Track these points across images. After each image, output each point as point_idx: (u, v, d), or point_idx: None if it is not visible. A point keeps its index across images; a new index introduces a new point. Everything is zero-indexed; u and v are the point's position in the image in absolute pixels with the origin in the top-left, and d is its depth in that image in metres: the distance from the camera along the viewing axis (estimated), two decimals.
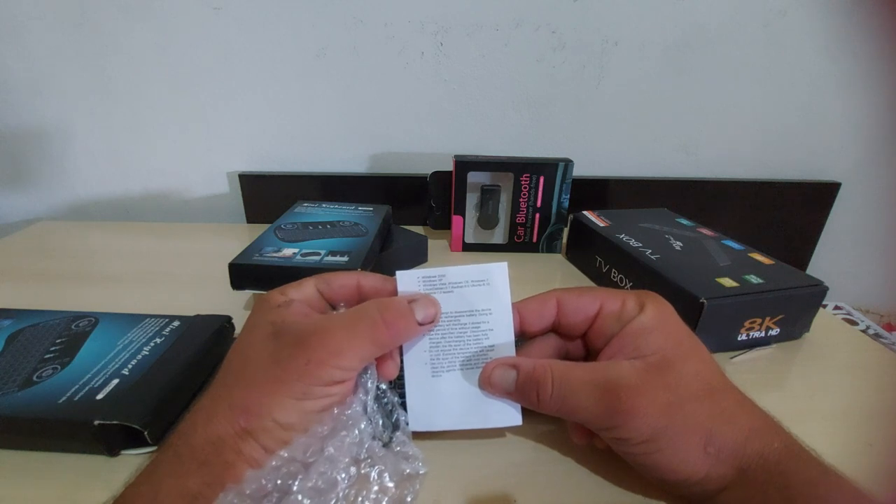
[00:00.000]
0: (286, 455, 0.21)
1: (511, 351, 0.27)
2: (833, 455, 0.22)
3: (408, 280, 0.26)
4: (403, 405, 0.27)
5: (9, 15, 0.60)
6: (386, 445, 0.25)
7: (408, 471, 0.24)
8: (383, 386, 0.26)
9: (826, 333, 0.41)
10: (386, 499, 0.23)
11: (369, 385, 0.25)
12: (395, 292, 0.26)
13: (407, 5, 0.60)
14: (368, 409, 0.25)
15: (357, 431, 0.23)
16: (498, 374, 0.26)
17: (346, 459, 0.23)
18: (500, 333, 0.27)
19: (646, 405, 0.22)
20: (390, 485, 0.23)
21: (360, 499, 0.22)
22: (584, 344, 0.28)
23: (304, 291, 0.26)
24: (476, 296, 0.27)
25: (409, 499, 0.23)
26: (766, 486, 0.21)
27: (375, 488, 0.23)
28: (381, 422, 0.25)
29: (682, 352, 0.24)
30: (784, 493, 0.20)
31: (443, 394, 0.27)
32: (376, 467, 0.23)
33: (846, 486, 0.20)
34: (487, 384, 0.26)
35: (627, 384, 0.22)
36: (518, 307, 0.27)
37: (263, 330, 0.23)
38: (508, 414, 0.27)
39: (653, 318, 0.25)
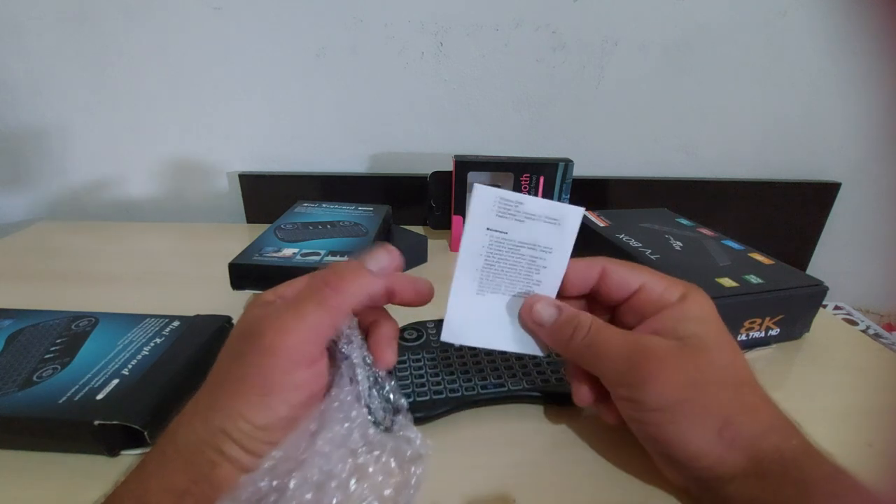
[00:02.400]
0: (278, 455, 0.21)
1: (553, 294, 0.28)
2: (833, 455, 0.22)
3: (484, 197, 0.25)
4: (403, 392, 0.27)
5: (9, 14, 0.60)
6: (388, 430, 0.24)
7: (409, 452, 0.24)
8: (382, 373, 0.25)
9: (826, 333, 0.41)
10: (392, 481, 0.22)
11: (359, 373, 0.24)
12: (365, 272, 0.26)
13: (407, 5, 0.60)
14: (363, 397, 0.24)
15: (347, 423, 0.23)
16: (540, 307, 0.26)
17: (341, 451, 0.22)
18: (551, 275, 0.27)
19: (670, 374, 0.22)
20: (393, 466, 0.23)
21: (364, 485, 0.22)
22: (614, 319, 0.28)
23: (293, 288, 0.25)
24: (543, 232, 0.27)
25: (413, 480, 0.23)
26: (781, 480, 0.20)
27: (379, 477, 0.22)
28: (381, 407, 0.24)
29: (718, 343, 0.24)
30: (800, 487, 0.20)
31: (481, 312, 0.27)
32: (375, 453, 0.23)
33: (861, 486, 0.20)
34: (528, 314, 0.27)
35: (657, 353, 0.23)
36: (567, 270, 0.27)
37: (243, 326, 0.23)
38: (534, 346, 0.28)
39: (694, 307, 0.25)
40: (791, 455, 0.21)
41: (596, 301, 0.28)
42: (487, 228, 0.26)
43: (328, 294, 0.22)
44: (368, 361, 0.24)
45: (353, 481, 0.22)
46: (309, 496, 0.20)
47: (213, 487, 0.20)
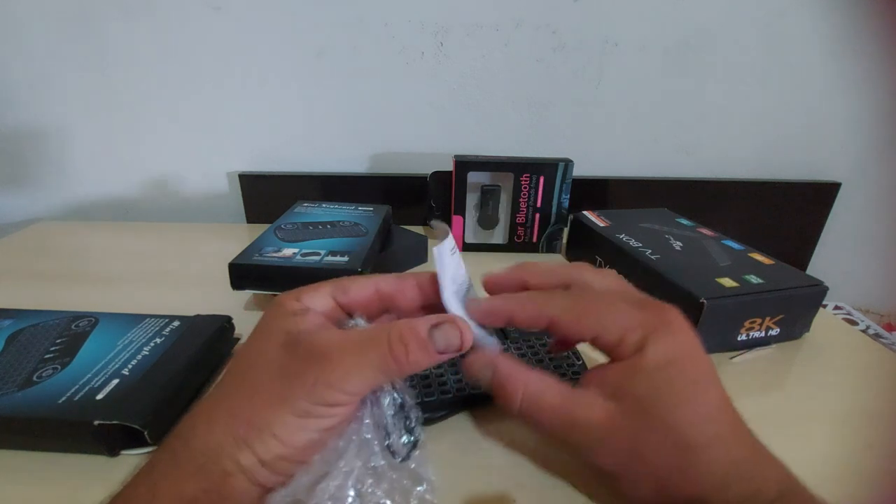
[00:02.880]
0: (303, 480, 0.21)
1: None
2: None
3: (442, 255, 0.25)
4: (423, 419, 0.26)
5: (9, 15, 0.60)
6: (404, 461, 0.23)
7: (417, 490, 0.23)
8: (405, 399, 0.24)
9: (826, 333, 0.41)
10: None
11: (385, 401, 0.23)
12: (415, 290, 0.25)
13: (407, 5, 0.60)
14: (386, 423, 0.23)
15: (358, 453, 0.22)
16: (478, 366, 0.25)
17: (350, 484, 0.21)
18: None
19: (606, 445, 0.22)
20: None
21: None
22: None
23: (319, 300, 0.24)
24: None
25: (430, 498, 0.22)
26: None
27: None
28: (401, 436, 0.24)
29: (670, 397, 0.22)
30: None
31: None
32: (382, 485, 0.22)
33: None
34: (468, 369, 0.26)
35: (593, 421, 0.22)
36: (509, 303, 0.25)
37: (276, 338, 0.22)
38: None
39: (651, 358, 0.22)
40: (766, 498, 0.20)
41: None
42: (451, 277, 0.25)
43: (394, 365, 0.21)
44: (397, 386, 0.24)
45: None
46: None
47: (224, 499, 0.19)
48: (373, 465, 0.22)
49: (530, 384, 0.24)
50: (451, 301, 0.25)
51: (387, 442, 0.23)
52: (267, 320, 0.23)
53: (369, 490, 0.22)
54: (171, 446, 0.21)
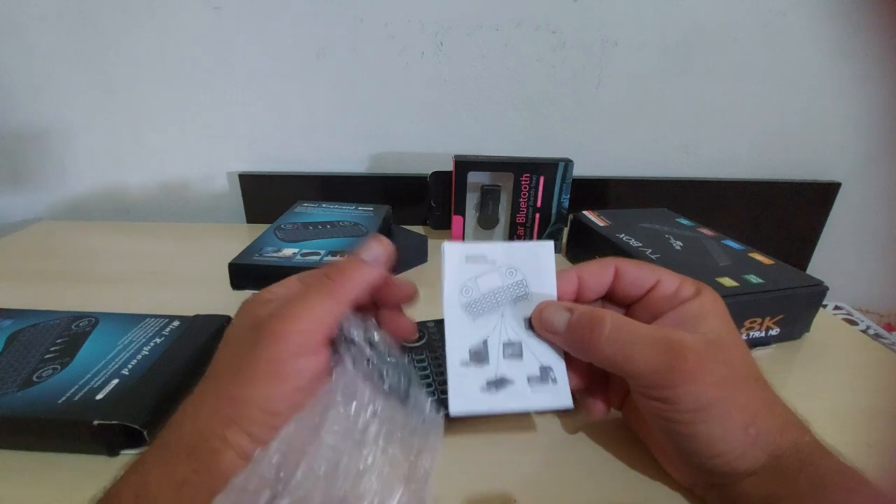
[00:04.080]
0: (281, 446, 0.21)
1: None
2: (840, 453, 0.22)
3: (452, 260, 0.26)
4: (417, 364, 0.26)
5: (9, 15, 0.60)
6: (403, 401, 0.24)
7: (422, 423, 0.23)
8: (394, 351, 0.24)
9: (826, 333, 0.41)
10: (399, 473, 0.22)
11: (368, 351, 0.24)
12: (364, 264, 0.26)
13: (407, 5, 0.60)
14: (375, 372, 0.24)
15: (354, 404, 0.22)
16: (549, 312, 0.26)
17: (347, 441, 0.22)
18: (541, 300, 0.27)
19: (707, 372, 0.22)
20: (400, 459, 0.22)
21: (372, 477, 0.21)
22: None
23: (289, 287, 0.26)
24: (522, 274, 0.27)
25: (421, 474, 0.22)
26: (797, 474, 0.21)
27: (386, 469, 0.22)
28: (394, 378, 0.24)
29: (733, 340, 0.24)
30: (815, 481, 0.20)
31: (486, 376, 0.26)
32: (380, 443, 0.22)
33: (871, 483, 0.20)
34: (539, 323, 0.26)
35: (693, 347, 0.22)
36: (577, 270, 0.27)
37: (246, 322, 0.24)
38: (558, 395, 0.26)
39: (709, 304, 0.25)
40: (805, 450, 0.21)
41: (610, 301, 0.28)
42: (462, 286, 0.26)
43: (332, 285, 0.23)
44: (376, 339, 0.24)
45: (360, 472, 0.21)
46: (316, 488, 0.20)
47: (214, 476, 0.20)
48: (363, 424, 0.22)
49: (615, 315, 0.24)
50: (451, 302, 0.25)
51: (384, 385, 0.23)
52: (239, 311, 0.25)
53: (366, 451, 0.22)
54: (161, 437, 0.21)
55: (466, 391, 0.25)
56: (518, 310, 0.27)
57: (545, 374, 0.26)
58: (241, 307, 0.25)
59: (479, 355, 0.26)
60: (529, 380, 0.26)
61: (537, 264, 0.27)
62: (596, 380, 0.28)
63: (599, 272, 0.27)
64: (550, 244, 0.27)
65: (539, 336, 0.27)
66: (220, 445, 0.20)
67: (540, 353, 0.26)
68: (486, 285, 0.27)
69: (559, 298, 0.27)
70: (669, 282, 0.26)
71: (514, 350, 0.26)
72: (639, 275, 0.27)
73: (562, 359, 0.26)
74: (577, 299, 0.28)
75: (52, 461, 0.27)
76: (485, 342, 0.26)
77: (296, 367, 0.22)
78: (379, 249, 0.25)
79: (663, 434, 0.24)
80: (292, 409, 0.22)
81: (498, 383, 0.25)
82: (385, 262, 0.25)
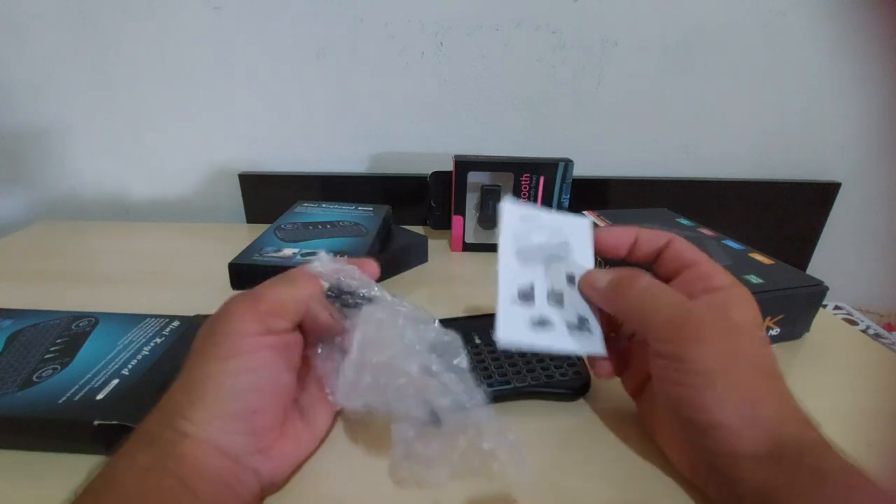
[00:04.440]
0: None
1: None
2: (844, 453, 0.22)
3: (510, 216, 0.30)
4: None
5: (9, 15, 0.60)
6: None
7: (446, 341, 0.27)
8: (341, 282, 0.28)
9: (826, 333, 0.41)
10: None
11: (377, 292, 0.28)
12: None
13: (407, 5, 0.60)
14: (396, 303, 0.27)
15: (401, 321, 0.26)
16: (595, 272, 0.29)
17: (409, 355, 0.25)
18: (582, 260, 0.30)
19: (716, 341, 0.23)
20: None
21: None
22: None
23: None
24: (566, 237, 0.31)
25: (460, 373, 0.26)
26: (798, 466, 0.21)
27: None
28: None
29: (755, 335, 0.25)
30: (816, 475, 0.20)
31: (531, 314, 0.28)
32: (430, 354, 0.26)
33: (873, 482, 0.20)
34: (584, 280, 0.29)
35: (708, 320, 0.24)
36: (638, 229, 0.30)
37: (203, 330, 0.25)
38: (593, 343, 0.28)
39: (739, 297, 0.26)
40: (809, 445, 0.22)
41: (632, 262, 0.30)
42: (515, 235, 0.29)
43: (294, 275, 0.27)
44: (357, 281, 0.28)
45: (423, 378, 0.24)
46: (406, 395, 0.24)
47: (177, 461, 0.21)
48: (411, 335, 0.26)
49: (651, 277, 0.27)
50: (505, 248, 0.29)
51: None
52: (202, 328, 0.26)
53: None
54: (133, 432, 0.22)
55: (513, 325, 0.27)
56: (561, 266, 0.30)
57: (582, 323, 0.28)
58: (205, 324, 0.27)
59: (526, 296, 0.28)
60: (568, 326, 0.28)
61: (578, 233, 0.31)
62: (615, 353, 0.29)
63: (656, 237, 0.29)
64: (589, 219, 0.31)
65: (578, 293, 0.29)
66: (175, 436, 0.21)
67: (578, 306, 0.29)
68: (536, 239, 0.30)
69: (615, 247, 0.30)
70: (708, 266, 0.27)
71: (556, 298, 0.29)
72: (683, 251, 0.28)
73: (597, 315, 0.29)
74: (630, 254, 0.30)
75: (52, 461, 0.27)
76: (531, 286, 0.29)
77: (254, 345, 0.23)
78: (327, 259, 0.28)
79: (668, 403, 0.25)
80: (242, 389, 0.23)
81: (541, 323, 0.27)
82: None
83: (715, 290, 0.26)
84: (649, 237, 0.29)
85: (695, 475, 0.25)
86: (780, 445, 0.21)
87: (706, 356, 0.23)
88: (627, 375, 0.30)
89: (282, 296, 0.25)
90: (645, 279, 0.26)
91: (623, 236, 0.30)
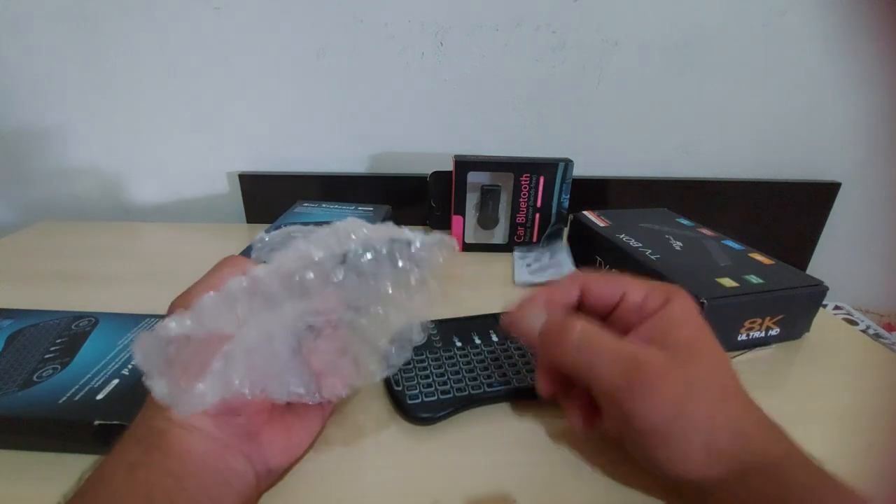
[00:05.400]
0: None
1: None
2: (833, 456, 0.22)
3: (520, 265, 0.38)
4: None
5: (9, 14, 0.60)
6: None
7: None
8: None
9: (826, 333, 0.41)
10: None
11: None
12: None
13: (407, 5, 0.60)
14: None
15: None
16: (528, 315, 0.27)
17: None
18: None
19: (664, 388, 0.22)
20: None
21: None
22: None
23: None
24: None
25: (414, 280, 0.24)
26: (764, 483, 0.21)
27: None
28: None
29: (702, 348, 0.24)
30: (783, 488, 0.20)
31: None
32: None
33: (843, 490, 0.20)
34: (515, 321, 0.27)
35: (653, 363, 0.22)
36: (547, 289, 0.28)
37: None
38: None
39: (679, 312, 0.25)
40: (775, 464, 0.21)
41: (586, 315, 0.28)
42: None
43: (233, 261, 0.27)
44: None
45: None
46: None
47: (165, 455, 0.21)
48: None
49: (587, 325, 0.25)
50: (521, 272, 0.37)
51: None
52: None
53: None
54: (123, 433, 0.22)
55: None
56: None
57: None
58: None
59: None
60: None
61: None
62: (572, 391, 0.27)
63: (566, 291, 0.28)
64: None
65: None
66: (165, 424, 0.21)
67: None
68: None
69: (529, 326, 0.27)
70: (635, 293, 0.26)
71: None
72: (604, 290, 0.27)
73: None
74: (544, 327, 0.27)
75: (52, 461, 0.27)
76: None
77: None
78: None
79: (631, 452, 0.25)
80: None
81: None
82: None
83: (650, 315, 0.25)
84: (561, 290, 0.27)
85: (668, 497, 0.25)
86: (744, 473, 0.21)
87: (656, 410, 0.22)
88: (569, 405, 0.28)
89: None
90: (577, 329, 0.24)
91: (533, 306, 0.27)
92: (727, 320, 0.37)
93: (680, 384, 0.22)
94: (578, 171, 0.57)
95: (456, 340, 0.36)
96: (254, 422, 0.24)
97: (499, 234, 0.59)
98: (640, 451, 0.24)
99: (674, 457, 0.22)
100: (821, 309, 0.40)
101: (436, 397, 0.30)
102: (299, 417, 0.27)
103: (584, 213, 0.54)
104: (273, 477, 0.25)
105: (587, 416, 0.26)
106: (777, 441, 0.22)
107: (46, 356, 0.31)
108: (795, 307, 0.39)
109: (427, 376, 0.32)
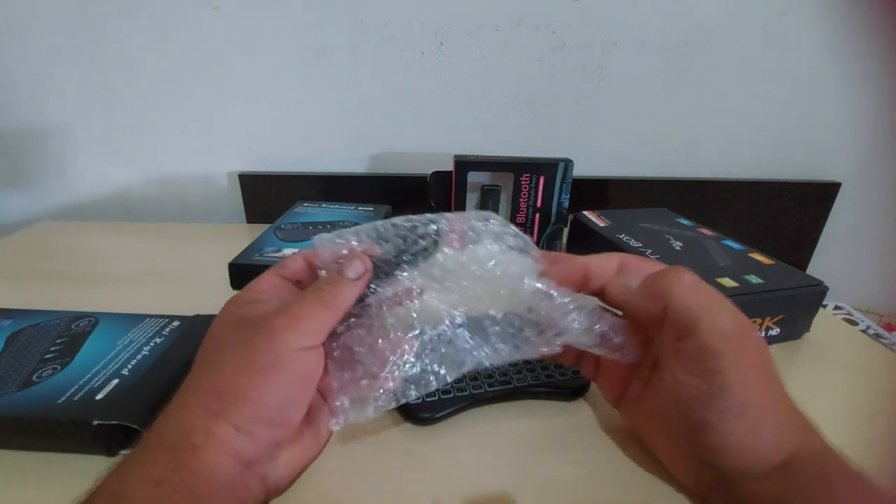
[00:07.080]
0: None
1: None
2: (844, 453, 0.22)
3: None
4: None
5: (9, 14, 0.60)
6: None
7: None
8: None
9: (826, 333, 0.41)
10: None
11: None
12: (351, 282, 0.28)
13: (407, 5, 0.60)
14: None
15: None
16: (624, 278, 0.27)
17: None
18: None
19: (741, 355, 0.23)
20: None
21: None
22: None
23: (266, 281, 0.27)
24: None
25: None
26: (806, 476, 0.21)
27: None
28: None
29: (752, 330, 0.25)
30: (824, 483, 0.20)
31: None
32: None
33: (875, 485, 0.20)
34: (613, 287, 0.27)
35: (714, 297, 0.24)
36: (586, 260, 0.28)
37: (232, 319, 0.24)
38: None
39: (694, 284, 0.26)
40: (813, 452, 0.21)
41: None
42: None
43: (328, 297, 0.25)
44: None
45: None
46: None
47: (194, 474, 0.20)
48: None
49: (691, 274, 0.26)
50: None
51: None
52: (223, 310, 0.26)
53: None
54: (144, 438, 0.21)
55: None
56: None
57: None
58: (227, 305, 0.26)
59: None
60: None
61: None
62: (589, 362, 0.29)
63: (607, 263, 0.28)
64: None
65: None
66: (204, 441, 0.20)
67: None
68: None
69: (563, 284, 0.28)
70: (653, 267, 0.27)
71: None
72: (641, 268, 0.27)
73: None
74: (581, 289, 0.28)
75: (52, 461, 0.27)
76: None
77: (295, 359, 0.23)
78: (360, 268, 0.27)
79: (687, 424, 0.23)
80: (284, 401, 0.22)
81: None
82: (366, 278, 0.27)
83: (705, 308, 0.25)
84: (600, 264, 0.28)
85: (698, 487, 0.25)
86: (789, 459, 0.21)
87: (750, 383, 0.22)
88: (602, 382, 0.29)
89: (319, 315, 0.24)
90: (688, 275, 0.25)
91: (574, 273, 0.28)
92: None
93: (744, 356, 0.23)
94: (578, 171, 0.57)
95: None
96: (286, 444, 0.24)
97: None
98: (700, 428, 0.22)
99: (747, 429, 0.22)
100: (821, 309, 0.40)
101: (436, 397, 0.30)
102: (315, 431, 0.26)
103: (584, 213, 0.54)
104: (280, 493, 0.25)
105: (619, 389, 0.28)
106: (813, 432, 0.22)
107: (46, 356, 0.31)
108: (795, 307, 0.39)
109: None
